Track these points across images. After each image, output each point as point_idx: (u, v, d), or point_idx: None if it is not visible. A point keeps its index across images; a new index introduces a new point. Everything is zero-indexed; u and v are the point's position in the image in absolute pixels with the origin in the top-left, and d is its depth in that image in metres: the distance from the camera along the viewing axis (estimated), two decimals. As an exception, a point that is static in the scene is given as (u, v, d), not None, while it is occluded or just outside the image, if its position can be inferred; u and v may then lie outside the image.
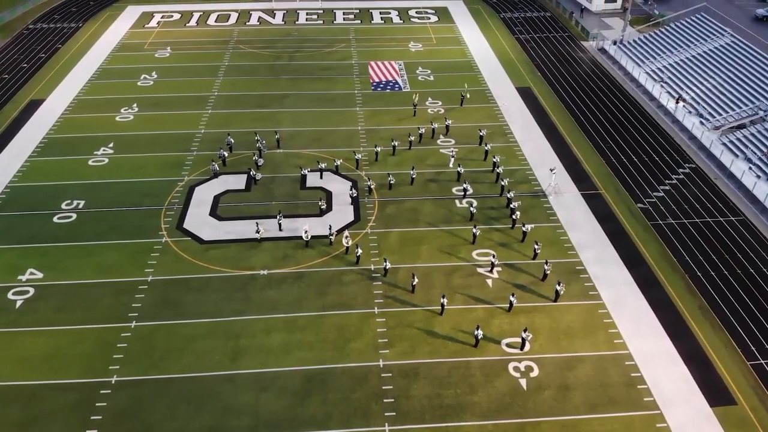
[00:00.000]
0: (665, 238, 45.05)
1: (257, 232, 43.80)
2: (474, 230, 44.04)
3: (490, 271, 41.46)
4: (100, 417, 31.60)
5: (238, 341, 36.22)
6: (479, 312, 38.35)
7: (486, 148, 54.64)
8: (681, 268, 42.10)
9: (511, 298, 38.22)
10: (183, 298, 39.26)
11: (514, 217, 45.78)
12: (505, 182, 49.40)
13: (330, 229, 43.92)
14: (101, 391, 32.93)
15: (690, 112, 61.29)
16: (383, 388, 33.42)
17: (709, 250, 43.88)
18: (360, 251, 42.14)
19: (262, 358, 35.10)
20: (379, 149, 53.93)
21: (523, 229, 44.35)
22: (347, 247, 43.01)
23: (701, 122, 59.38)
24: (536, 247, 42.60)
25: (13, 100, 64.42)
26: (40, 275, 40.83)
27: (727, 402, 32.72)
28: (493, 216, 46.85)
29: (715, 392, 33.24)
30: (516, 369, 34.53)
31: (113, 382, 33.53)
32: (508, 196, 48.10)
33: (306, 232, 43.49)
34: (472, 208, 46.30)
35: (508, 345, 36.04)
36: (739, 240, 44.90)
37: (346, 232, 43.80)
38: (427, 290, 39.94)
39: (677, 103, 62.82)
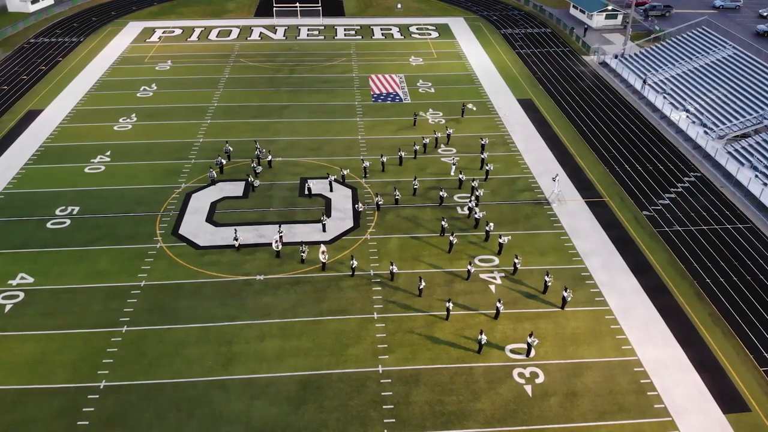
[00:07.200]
0: (672, 245, 43.95)
1: (235, 239, 42.62)
2: (451, 238, 42.55)
3: (467, 279, 40.15)
4: (87, 422, 30.28)
5: (231, 347, 34.94)
6: (482, 318, 37.10)
7: (482, 156, 53.85)
8: (690, 276, 40.91)
9: (498, 305, 36.94)
10: (176, 303, 38.08)
11: (488, 228, 43.84)
12: (479, 193, 48.27)
13: (302, 246, 41.87)
14: (89, 396, 31.64)
15: (693, 122, 60.65)
16: (382, 394, 32.07)
17: (717, 257, 42.75)
18: (355, 263, 40.37)
19: (255, 365, 33.79)
20: (384, 159, 53.05)
21: (500, 240, 42.65)
22: (324, 263, 40.86)
23: (705, 132, 58.69)
24: (516, 261, 40.72)
25: (11, 111, 63.99)
26: (30, 280, 39.74)
27: (740, 409, 31.34)
28: (493, 223, 45.79)
29: (728, 399, 31.87)
30: (521, 375, 33.18)
31: (102, 387, 32.23)
32: (470, 204, 46.54)
33: (276, 241, 41.92)
34: (443, 223, 44.36)
35: (513, 351, 34.73)
36: (748, 247, 43.79)
37: (323, 247, 41.39)
38: (428, 296, 38.74)
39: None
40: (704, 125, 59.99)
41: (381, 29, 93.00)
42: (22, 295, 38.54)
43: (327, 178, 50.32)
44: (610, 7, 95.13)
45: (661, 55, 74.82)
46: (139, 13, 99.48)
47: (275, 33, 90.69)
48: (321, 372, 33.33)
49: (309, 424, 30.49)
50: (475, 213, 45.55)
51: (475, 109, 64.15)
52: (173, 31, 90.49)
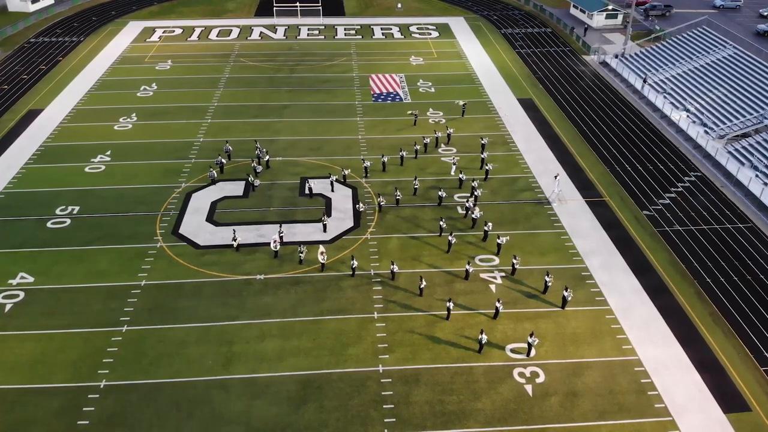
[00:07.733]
0: (673, 245, 43.93)
1: (234, 239, 42.57)
2: (450, 238, 42.48)
3: (466, 279, 40.08)
4: (87, 422, 30.26)
5: (231, 347, 34.92)
6: (482, 318, 37.08)
7: (482, 156, 53.79)
8: (690, 275, 40.88)
9: (497, 305, 36.94)
10: (176, 303, 38.05)
11: (486, 228, 43.82)
12: (478, 193, 48.18)
13: (300, 247, 41.75)
14: (89, 396, 31.63)
15: (694, 122, 60.64)
16: (383, 394, 32.06)
17: (718, 256, 42.72)
18: (356, 263, 40.33)
19: (255, 365, 33.76)
20: (386, 159, 53.00)
21: (498, 241, 42.46)
22: (323, 264, 40.71)
23: (705, 131, 58.67)
24: (515, 261, 40.62)
25: (11, 110, 63.99)
26: (30, 279, 39.72)
27: (741, 409, 31.33)
28: (494, 223, 45.76)
29: (729, 399, 31.86)
30: (521, 375, 33.17)
31: (102, 386, 32.21)
32: (467, 204, 46.57)
33: (275, 241, 41.85)
34: (441, 223, 44.51)
35: (513, 351, 34.71)
36: (749, 247, 43.77)
37: (321, 248, 41.18)
38: (429, 295, 38.72)
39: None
40: (704, 125, 59.98)
41: (381, 29, 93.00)
42: (22, 294, 38.54)
43: (328, 177, 50.30)
44: (610, 7, 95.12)
45: (662, 55, 74.80)
46: (139, 13, 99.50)
47: (275, 33, 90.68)
48: (321, 372, 33.32)
49: (309, 424, 30.47)
50: (473, 213, 45.54)
51: (460, 102, 63.93)
52: (173, 31, 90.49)
